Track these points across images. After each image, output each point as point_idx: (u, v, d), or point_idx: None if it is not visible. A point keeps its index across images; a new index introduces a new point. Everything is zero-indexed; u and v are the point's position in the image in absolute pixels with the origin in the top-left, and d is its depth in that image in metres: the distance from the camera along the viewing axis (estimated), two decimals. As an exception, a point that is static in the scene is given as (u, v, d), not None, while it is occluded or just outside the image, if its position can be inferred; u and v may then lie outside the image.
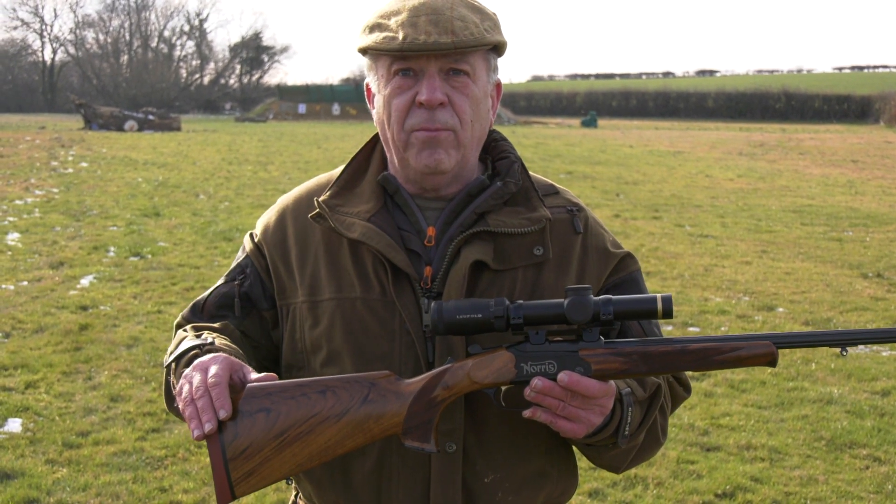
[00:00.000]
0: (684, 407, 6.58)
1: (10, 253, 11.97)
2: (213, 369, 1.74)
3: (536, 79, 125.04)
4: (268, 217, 2.14)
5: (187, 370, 1.79)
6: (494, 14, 2.00)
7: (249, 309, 2.07)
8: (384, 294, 1.95)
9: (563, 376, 1.76)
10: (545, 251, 1.99)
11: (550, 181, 2.13)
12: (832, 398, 6.82)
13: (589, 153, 31.30)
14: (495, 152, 2.09)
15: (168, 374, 1.95)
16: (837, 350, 1.93)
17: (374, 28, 1.95)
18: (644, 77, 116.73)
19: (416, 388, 1.82)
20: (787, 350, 7.74)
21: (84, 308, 9.15)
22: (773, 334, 1.82)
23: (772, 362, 1.81)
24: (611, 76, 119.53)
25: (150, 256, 11.87)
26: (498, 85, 2.06)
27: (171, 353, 1.94)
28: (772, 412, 6.56)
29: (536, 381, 1.77)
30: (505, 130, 48.47)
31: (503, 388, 1.87)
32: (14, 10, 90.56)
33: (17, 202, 16.77)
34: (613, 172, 24.39)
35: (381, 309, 1.95)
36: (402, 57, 1.91)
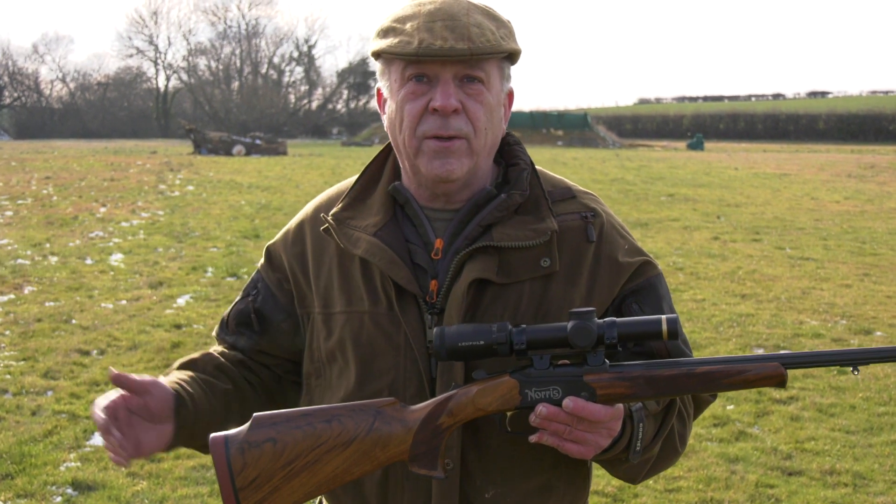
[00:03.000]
0: (769, 430, 6.45)
1: (112, 273, 12.30)
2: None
3: (643, 101, 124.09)
4: (287, 228, 2.17)
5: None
6: (509, 21, 1.98)
7: (266, 323, 2.13)
8: (391, 309, 1.95)
9: (568, 402, 1.75)
10: (552, 263, 1.95)
11: (569, 184, 2.09)
12: (924, 424, 6.61)
13: (692, 176, 30.91)
14: (508, 157, 2.07)
15: None
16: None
17: (388, 32, 1.93)
18: (753, 99, 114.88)
19: (422, 415, 1.82)
20: (881, 373, 7.55)
21: (178, 327, 9.35)
22: (781, 355, 1.78)
23: (780, 383, 1.77)
24: (719, 98, 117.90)
25: (246, 277, 12.06)
26: (510, 94, 2.03)
27: None
28: (860, 437, 6.39)
29: (541, 408, 1.76)
30: (609, 153, 48.53)
31: (508, 413, 1.86)
32: (130, 38, 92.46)
33: (123, 224, 17.22)
34: (716, 195, 24.05)
35: (388, 324, 1.96)
36: (416, 62, 1.89)
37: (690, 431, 2.05)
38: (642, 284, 2.01)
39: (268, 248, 2.19)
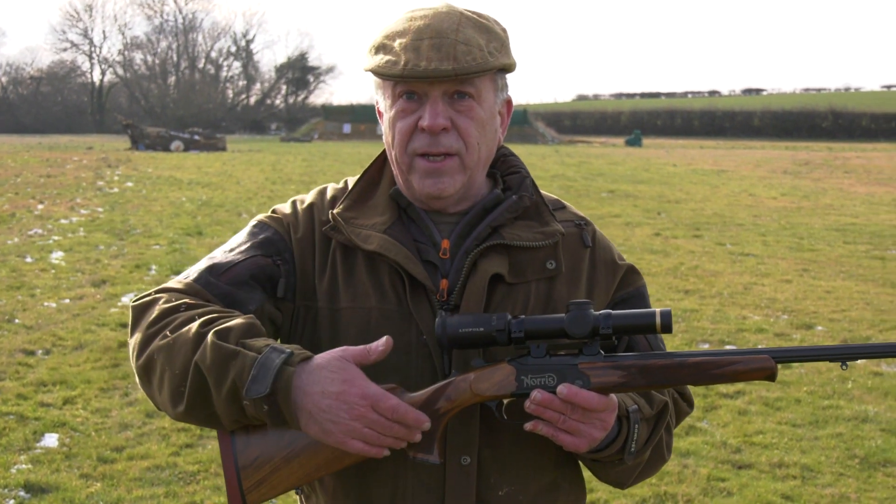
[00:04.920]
0: (717, 424, 6.55)
1: (53, 271, 12.14)
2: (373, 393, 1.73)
3: (581, 98, 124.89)
4: (295, 212, 2.07)
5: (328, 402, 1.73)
6: (504, 31, 1.98)
7: (291, 295, 1.98)
8: (400, 305, 1.93)
9: (562, 388, 1.77)
10: (558, 265, 1.99)
11: (556, 196, 2.13)
12: (867, 416, 6.75)
13: (632, 172, 31.21)
14: (504, 167, 2.09)
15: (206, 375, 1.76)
16: (874, 368, 1.91)
17: (379, 49, 1.92)
18: (690, 96, 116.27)
19: (420, 400, 1.82)
20: (824, 368, 7.69)
21: (124, 325, 9.23)
22: (771, 349, 1.80)
23: (770, 377, 1.80)
24: (656, 95, 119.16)
25: (190, 275, 11.96)
26: (508, 101, 2.04)
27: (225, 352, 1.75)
28: (806, 430, 6.51)
29: (536, 394, 1.78)
30: (548, 150, 48.79)
31: (505, 400, 1.88)
32: (64, 31, 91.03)
33: (63, 221, 17.01)
34: (656, 191, 24.32)
35: (398, 320, 1.93)
36: (404, 81, 1.89)
37: (672, 441, 2.09)
38: (632, 293, 2.07)
39: (285, 222, 2.04)
